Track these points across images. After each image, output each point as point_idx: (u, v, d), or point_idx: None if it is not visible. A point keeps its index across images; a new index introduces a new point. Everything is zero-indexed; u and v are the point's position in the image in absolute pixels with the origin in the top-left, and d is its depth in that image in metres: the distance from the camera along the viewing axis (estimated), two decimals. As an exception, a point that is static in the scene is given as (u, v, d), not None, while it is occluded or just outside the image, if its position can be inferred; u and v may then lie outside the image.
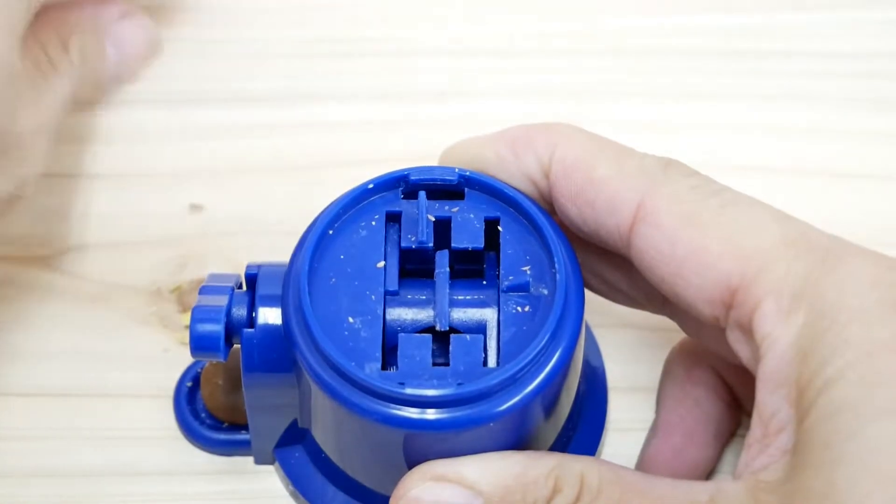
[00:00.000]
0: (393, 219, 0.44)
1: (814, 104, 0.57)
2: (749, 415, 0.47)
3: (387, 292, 0.43)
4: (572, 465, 0.41)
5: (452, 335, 0.42)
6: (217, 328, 0.43)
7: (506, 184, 0.44)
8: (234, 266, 0.52)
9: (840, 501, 0.36)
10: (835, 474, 0.36)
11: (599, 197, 0.43)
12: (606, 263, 0.47)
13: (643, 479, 0.40)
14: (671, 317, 0.47)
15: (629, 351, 0.51)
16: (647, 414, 0.50)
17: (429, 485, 0.41)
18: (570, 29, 0.60)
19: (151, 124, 0.57)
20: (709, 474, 0.48)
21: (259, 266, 0.44)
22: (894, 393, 0.37)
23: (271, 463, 0.48)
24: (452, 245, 0.43)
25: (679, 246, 0.41)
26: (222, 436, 0.48)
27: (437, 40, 0.59)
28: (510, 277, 0.43)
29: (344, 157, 0.56)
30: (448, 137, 0.47)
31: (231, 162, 0.56)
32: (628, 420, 0.50)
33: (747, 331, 0.41)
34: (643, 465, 0.47)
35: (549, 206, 0.45)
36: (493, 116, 0.56)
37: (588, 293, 0.47)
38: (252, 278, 0.44)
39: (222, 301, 0.44)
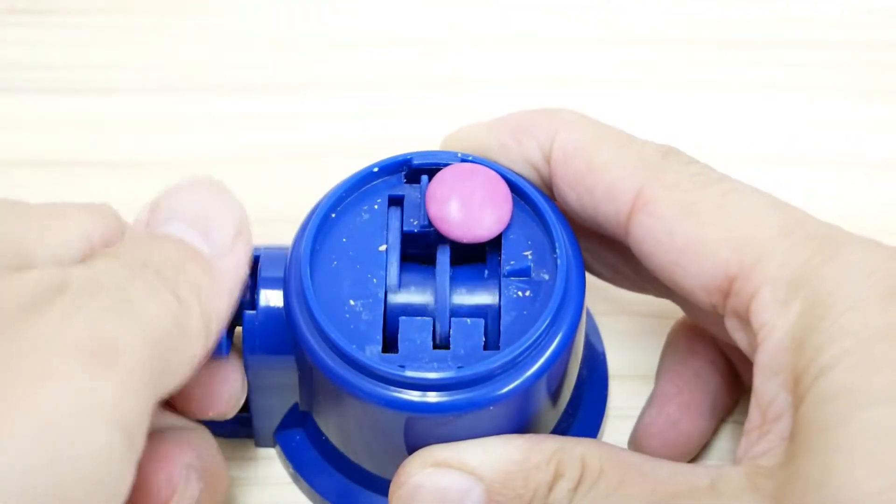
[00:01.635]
0: (395, 203, 0.44)
1: (816, 93, 0.57)
2: (749, 391, 0.48)
3: (388, 276, 0.43)
4: (573, 449, 0.41)
5: (453, 319, 0.42)
6: None
7: (508, 168, 0.44)
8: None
9: (834, 487, 0.36)
10: (829, 460, 0.36)
11: (599, 184, 0.43)
12: (609, 248, 0.47)
13: (645, 462, 0.41)
14: (674, 300, 0.47)
15: (631, 338, 0.51)
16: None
17: (430, 471, 0.41)
18: (570, 18, 0.60)
19: (154, 113, 0.57)
20: (702, 449, 0.48)
21: (261, 249, 0.45)
22: (889, 380, 0.37)
23: (272, 446, 0.48)
24: (454, 229, 0.43)
25: (677, 235, 0.41)
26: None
27: (438, 29, 0.59)
28: (511, 262, 0.43)
29: (345, 146, 0.56)
30: (449, 126, 0.47)
31: (231, 150, 0.56)
32: (629, 407, 0.50)
33: (745, 319, 0.41)
34: (637, 434, 0.47)
35: (550, 192, 0.45)
36: (495, 105, 0.56)
37: (592, 279, 0.47)
38: (254, 261, 0.44)
39: None
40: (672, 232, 0.42)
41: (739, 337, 0.42)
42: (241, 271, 0.40)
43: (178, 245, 0.38)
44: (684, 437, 0.47)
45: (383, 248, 0.43)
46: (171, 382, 0.36)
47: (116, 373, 0.34)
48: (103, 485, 0.33)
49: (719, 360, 0.48)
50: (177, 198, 0.40)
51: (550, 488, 0.40)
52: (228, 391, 0.43)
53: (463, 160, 0.44)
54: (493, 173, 0.43)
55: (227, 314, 0.39)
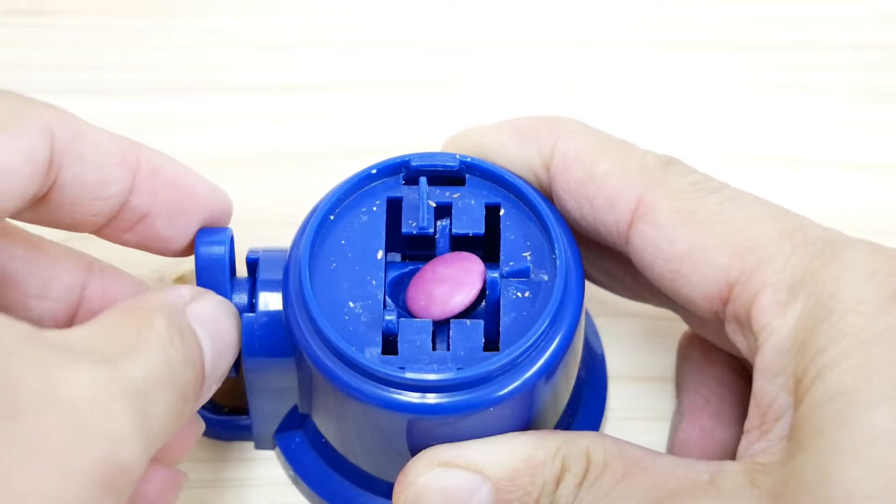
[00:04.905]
0: (394, 204, 0.44)
1: (816, 95, 0.57)
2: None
3: (387, 277, 0.43)
4: (577, 442, 0.41)
5: (452, 320, 0.42)
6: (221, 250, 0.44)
7: (507, 170, 0.44)
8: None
9: (831, 488, 0.36)
10: (826, 461, 0.37)
11: (599, 193, 0.43)
12: (609, 257, 0.47)
13: (647, 455, 0.41)
14: (674, 310, 0.47)
15: (630, 339, 0.51)
16: (646, 402, 0.50)
17: (437, 471, 0.41)
18: (572, 21, 0.60)
19: (151, 114, 0.57)
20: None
21: (260, 251, 0.45)
22: (887, 382, 0.37)
23: (272, 448, 0.48)
24: (453, 231, 0.43)
25: (677, 243, 0.41)
26: (223, 420, 0.48)
27: (438, 31, 0.59)
28: (510, 263, 0.43)
29: (345, 147, 0.56)
30: (448, 128, 0.47)
31: (232, 152, 0.56)
32: (628, 409, 0.50)
33: (745, 323, 0.41)
34: (674, 450, 0.47)
35: (549, 198, 0.45)
36: (495, 107, 0.56)
37: (591, 284, 0.47)
38: (253, 263, 0.45)
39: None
40: (672, 240, 0.42)
41: (739, 340, 0.42)
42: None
43: (202, 363, 0.40)
44: (721, 445, 0.47)
45: (380, 254, 0.43)
46: None
47: (117, 494, 0.34)
48: None
49: (736, 364, 0.48)
50: (213, 310, 0.42)
51: (557, 483, 0.41)
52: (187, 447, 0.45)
53: (461, 161, 0.44)
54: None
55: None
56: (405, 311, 0.43)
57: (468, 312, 0.43)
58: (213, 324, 0.42)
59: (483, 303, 0.43)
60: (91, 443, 0.34)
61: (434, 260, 0.43)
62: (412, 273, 0.44)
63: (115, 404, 0.35)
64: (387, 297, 0.43)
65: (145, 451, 0.35)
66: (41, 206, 0.41)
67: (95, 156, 0.41)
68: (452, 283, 0.42)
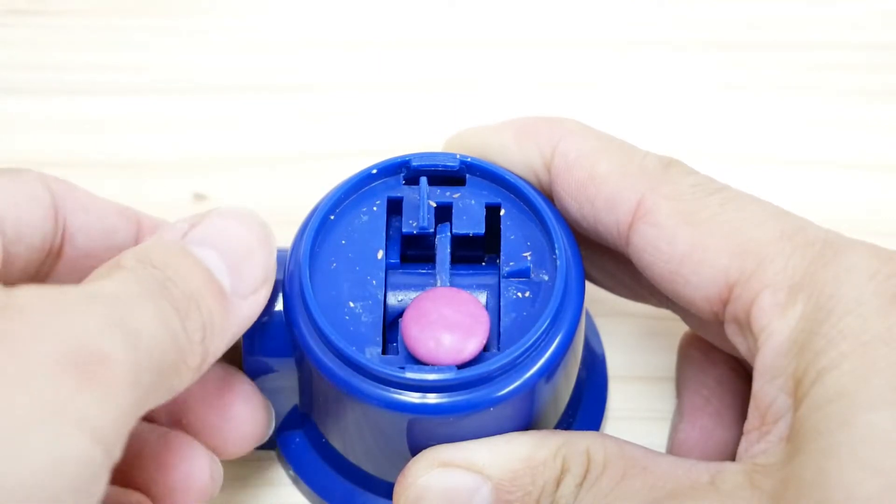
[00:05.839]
0: (394, 204, 0.44)
1: (817, 95, 0.57)
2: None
3: (387, 277, 0.43)
4: (577, 442, 0.41)
5: (453, 320, 0.42)
6: None
7: (507, 170, 0.44)
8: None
9: (830, 490, 0.36)
10: (826, 463, 0.37)
11: (600, 194, 0.43)
12: (609, 258, 0.47)
13: (647, 455, 0.41)
14: (674, 310, 0.47)
15: (630, 339, 0.51)
16: (646, 403, 0.50)
17: (437, 471, 0.41)
18: (573, 21, 0.60)
19: (156, 113, 0.57)
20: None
21: (261, 251, 0.45)
22: (887, 383, 0.37)
23: (272, 448, 0.48)
24: (453, 231, 0.43)
25: (677, 244, 0.41)
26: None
27: (439, 32, 0.60)
28: (511, 263, 0.43)
29: (345, 147, 0.56)
30: (449, 128, 0.48)
31: (235, 151, 0.56)
32: (628, 409, 0.50)
33: (745, 324, 0.41)
34: (673, 450, 0.47)
35: (549, 198, 0.45)
36: (496, 107, 0.56)
37: (591, 284, 0.47)
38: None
39: None
40: (672, 241, 0.42)
41: (739, 342, 0.42)
42: (254, 316, 0.40)
43: (205, 276, 0.39)
44: (721, 445, 0.47)
45: (381, 254, 0.43)
46: (154, 403, 0.36)
47: (99, 387, 0.34)
48: (75, 493, 0.33)
49: (737, 365, 0.48)
50: (219, 223, 0.40)
51: (558, 484, 0.41)
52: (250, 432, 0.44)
53: (462, 161, 0.44)
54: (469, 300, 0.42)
55: (223, 352, 0.39)
56: (404, 348, 0.42)
57: None
58: (220, 235, 0.40)
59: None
60: (56, 333, 0.33)
61: (434, 295, 0.42)
62: (413, 272, 0.44)
63: (78, 305, 0.34)
64: (387, 296, 0.43)
65: (128, 343, 0.34)
66: (59, 262, 0.42)
67: (94, 207, 0.41)
68: (463, 332, 0.42)
